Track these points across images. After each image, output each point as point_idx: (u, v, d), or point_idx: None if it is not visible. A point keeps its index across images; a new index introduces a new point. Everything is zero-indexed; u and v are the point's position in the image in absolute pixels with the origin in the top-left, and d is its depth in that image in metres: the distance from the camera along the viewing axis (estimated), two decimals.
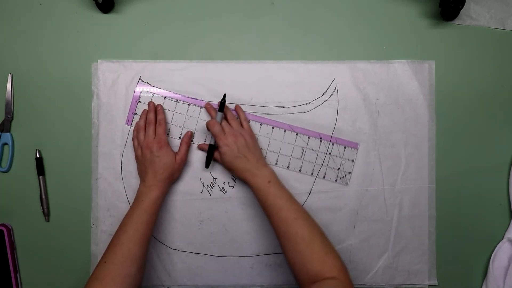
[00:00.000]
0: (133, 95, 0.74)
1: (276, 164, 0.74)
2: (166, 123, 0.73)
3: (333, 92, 0.74)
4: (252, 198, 0.73)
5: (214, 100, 0.74)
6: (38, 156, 0.73)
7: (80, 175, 0.74)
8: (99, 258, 0.72)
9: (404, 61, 0.74)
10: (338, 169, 0.74)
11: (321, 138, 0.74)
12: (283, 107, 0.74)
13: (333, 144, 0.74)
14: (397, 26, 0.75)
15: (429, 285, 0.74)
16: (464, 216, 0.74)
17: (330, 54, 0.75)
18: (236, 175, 0.71)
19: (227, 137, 0.69)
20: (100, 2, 0.72)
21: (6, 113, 0.74)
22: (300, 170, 0.74)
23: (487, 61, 0.75)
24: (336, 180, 0.74)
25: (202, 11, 0.75)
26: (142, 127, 0.72)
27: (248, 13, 0.75)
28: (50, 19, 0.75)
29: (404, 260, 0.73)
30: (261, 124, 0.74)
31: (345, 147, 0.74)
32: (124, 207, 0.72)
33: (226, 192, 0.74)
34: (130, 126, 0.74)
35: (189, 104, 0.74)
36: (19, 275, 0.74)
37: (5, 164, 0.74)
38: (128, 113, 0.74)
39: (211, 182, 0.74)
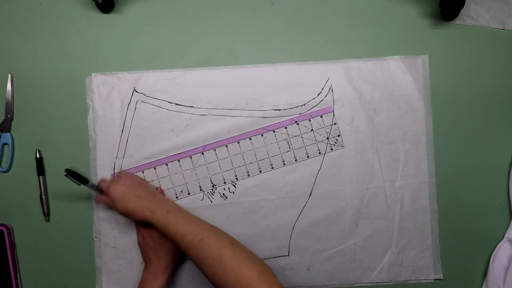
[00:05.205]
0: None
1: (272, 168, 0.74)
2: None
3: (328, 92, 0.74)
4: (254, 202, 0.73)
5: (209, 107, 0.73)
6: (38, 156, 0.73)
7: None
8: (103, 272, 0.73)
9: (397, 57, 0.74)
10: (328, 138, 0.74)
11: (296, 121, 0.74)
12: (279, 109, 0.74)
13: (309, 120, 0.74)
14: (397, 26, 0.75)
15: (434, 279, 0.74)
16: (464, 216, 0.74)
17: (331, 55, 0.75)
18: (137, 219, 0.66)
19: (113, 185, 0.66)
20: (100, 2, 0.72)
21: (6, 113, 0.74)
22: (295, 160, 0.74)
23: (487, 61, 0.75)
24: (332, 149, 0.74)
25: (202, 11, 0.75)
26: None
27: (248, 14, 0.75)
28: (50, 19, 0.75)
29: (409, 255, 0.73)
30: (238, 142, 0.73)
31: (321, 116, 0.74)
32: (125, 219, 0.72)
33: (227, 198, 0.74)
34: None
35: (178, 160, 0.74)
36: (19, 275, 0.74)
37: (5, 164, 0.74)
38: None
39: (212, 189, 0.74)
